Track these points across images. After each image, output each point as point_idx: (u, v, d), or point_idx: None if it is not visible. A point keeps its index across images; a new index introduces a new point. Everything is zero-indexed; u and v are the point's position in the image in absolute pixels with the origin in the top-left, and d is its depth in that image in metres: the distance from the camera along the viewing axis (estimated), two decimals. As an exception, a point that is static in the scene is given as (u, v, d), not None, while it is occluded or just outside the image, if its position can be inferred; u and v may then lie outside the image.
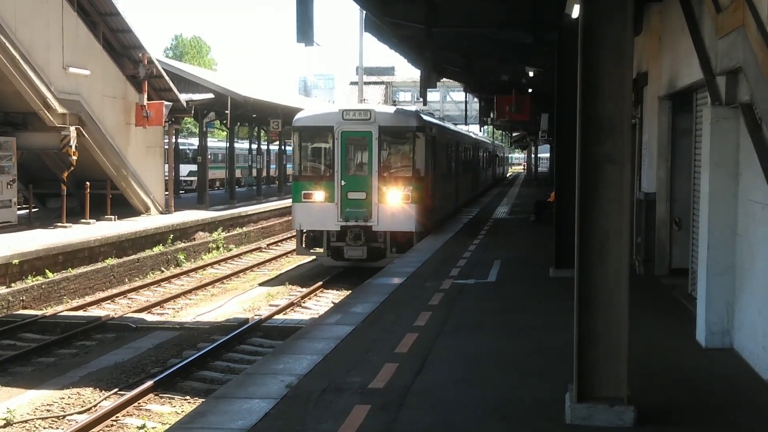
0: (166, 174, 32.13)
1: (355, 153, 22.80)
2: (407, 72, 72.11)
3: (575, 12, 11.28)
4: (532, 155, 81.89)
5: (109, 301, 19.44)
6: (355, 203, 21.94)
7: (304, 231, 22.76)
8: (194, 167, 42.88)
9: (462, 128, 43.42)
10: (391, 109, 24.62)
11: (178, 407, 11.45)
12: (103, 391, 12.14)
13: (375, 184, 21.93)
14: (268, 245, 30.40)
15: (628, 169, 6.85)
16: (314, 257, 23.89)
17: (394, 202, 21.86)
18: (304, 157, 23.10)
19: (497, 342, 10.07)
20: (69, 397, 11.93)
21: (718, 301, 9.29)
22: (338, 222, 22.02)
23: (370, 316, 11.65)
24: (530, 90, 30.89)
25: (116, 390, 12.17)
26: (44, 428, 10.85)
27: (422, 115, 24.40)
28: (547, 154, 72.47)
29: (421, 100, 28.82)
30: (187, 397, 11.83)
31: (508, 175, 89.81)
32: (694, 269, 11.48)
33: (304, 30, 13.74)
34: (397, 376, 8.37)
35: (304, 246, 23.01)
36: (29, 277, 18.80)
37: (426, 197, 22.78)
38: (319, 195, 22.07)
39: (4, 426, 10.76)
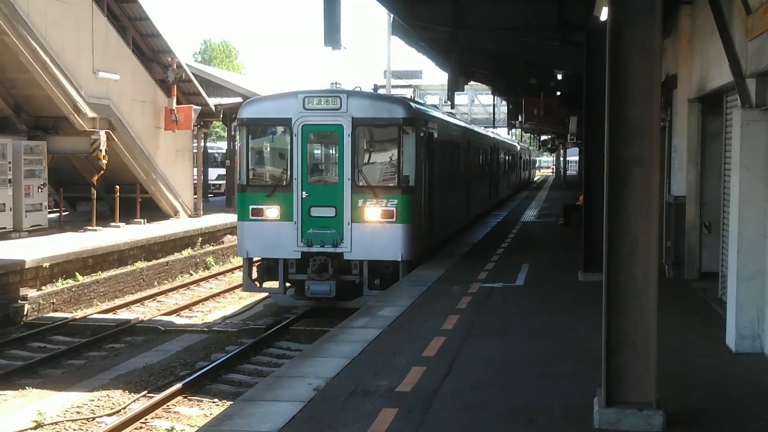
0: (195, 178, 32.33)
1: (322, 154, 18.23)
2: (435, 75, 72.18)
3: (603, 14, 11.24)
4: (561, 158, 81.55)
5: (138, 304, 19.59)
6: (321, 222, 16.52)
7: (254, 259, 17.38)
8: (223, 171, 43.06)
9: (490, 131, 42.67)
10: (371, 95, 18.90)
11: (207, 410, 11.51)
12: (133, 394, 12.24)
13: (348, 196, 16.46)
14: (295, 248, 30.42)
15: (657, 172, 6.81)
16: (266, 294, 18.44)
17: (374, 220, 16.45)
18: (254, 161, 17.53)
19: (525, 346, 10.04)
20: (99, 399, 12.03)
21: (749, 305, 9.21)
22: (298, 247, 16.56)
23: (397, 320, 11.65)
24: (558, 93, 30.79)
25: (145, 392, 12.27)
26: (74, 430, 10.94)
27: (413, 105, 18.54)
28: (576, 157, 72.08)
29: (449, 103, 28.33)
30: (216, 400, 11.89)
31: (535, 179, 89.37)
32: (724, 273, 11.37)
33: (332, 34, 13.80)
34: (425, 380, 8.37)
35: (253, 279, 17.34)
36: (60, 280, 18.97)
37: (418, 213, 17.20)
38: (272, 211, 16.65)
39: (35, 428, 10.88)
